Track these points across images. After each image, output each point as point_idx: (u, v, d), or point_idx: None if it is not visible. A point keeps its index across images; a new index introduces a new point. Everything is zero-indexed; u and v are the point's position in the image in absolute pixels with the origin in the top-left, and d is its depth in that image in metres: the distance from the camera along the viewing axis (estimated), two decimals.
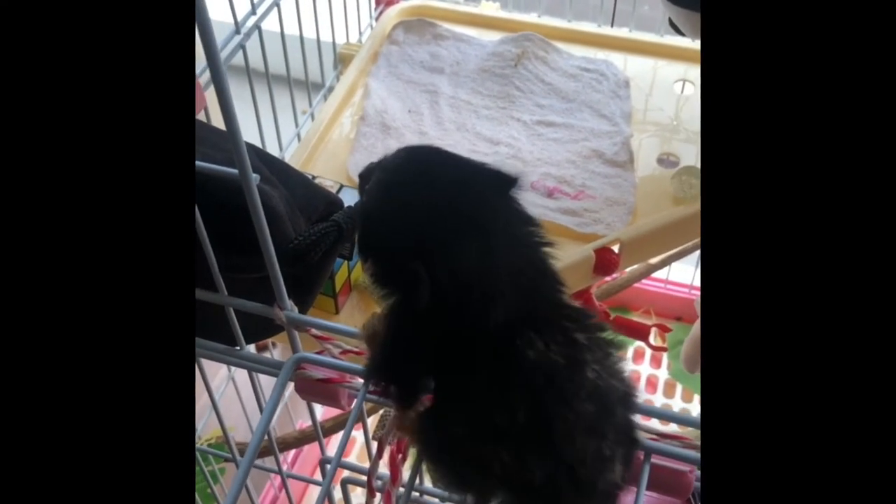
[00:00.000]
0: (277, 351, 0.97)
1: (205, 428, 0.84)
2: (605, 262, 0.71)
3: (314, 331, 0.46)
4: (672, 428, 0.88)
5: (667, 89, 0.90)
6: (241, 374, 0.94)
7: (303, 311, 0.52)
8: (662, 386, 1.25)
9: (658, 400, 1.23)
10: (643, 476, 0.40)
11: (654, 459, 0.40)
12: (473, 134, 0.84)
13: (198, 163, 0.41)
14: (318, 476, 1.17)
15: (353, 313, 0.66)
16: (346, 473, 0.65)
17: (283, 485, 0.63)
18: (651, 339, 0.90)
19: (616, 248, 0.72)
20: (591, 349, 0.37)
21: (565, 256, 0.70)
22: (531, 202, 0.75)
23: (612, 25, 1.01)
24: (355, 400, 0.47)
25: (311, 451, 1.18)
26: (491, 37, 0.96)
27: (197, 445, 0.69)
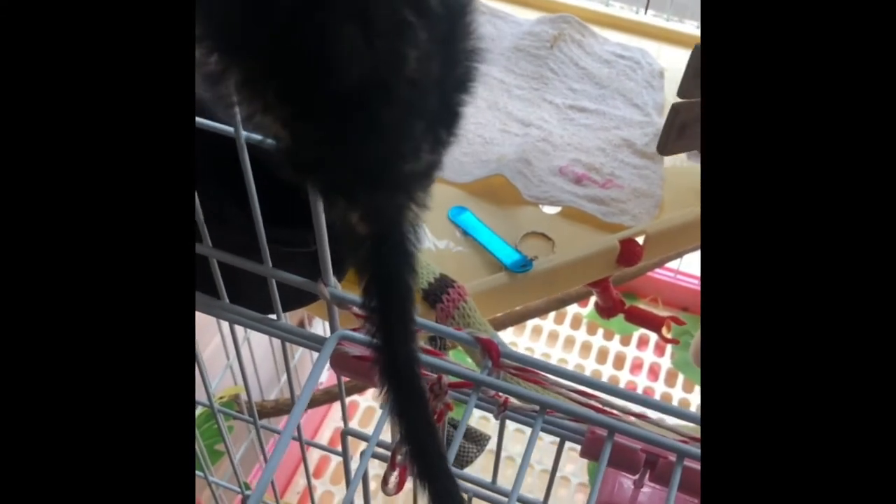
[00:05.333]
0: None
1: (218, 386, 0.84)
2: (628, 253, 0.72)
3: (356, 309, 0.47)
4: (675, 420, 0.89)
5: None
6: (255, 337, 0.95)
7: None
8: (664, 375, 1.27)
9: (658, 388, 1.25)
10: (674, 479, 0.41)
11: (687, 462, 0.41)
12: (505, 113, 0.84)
13: (254, 136, 0.41)
14: (321, 440, 1.18)
15: None
16: (363, 444, 0.66)
17: (301, 450, 0.64)
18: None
19: (640, 241, 0.72)
20: None
21: (590, 245, 0.70)
22: (559, 187, 0.75)
23: (646, 11, 1.00)
24: None
25: (313, 413, 1.19)
26: (527, 15, 0.95)
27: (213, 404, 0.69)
